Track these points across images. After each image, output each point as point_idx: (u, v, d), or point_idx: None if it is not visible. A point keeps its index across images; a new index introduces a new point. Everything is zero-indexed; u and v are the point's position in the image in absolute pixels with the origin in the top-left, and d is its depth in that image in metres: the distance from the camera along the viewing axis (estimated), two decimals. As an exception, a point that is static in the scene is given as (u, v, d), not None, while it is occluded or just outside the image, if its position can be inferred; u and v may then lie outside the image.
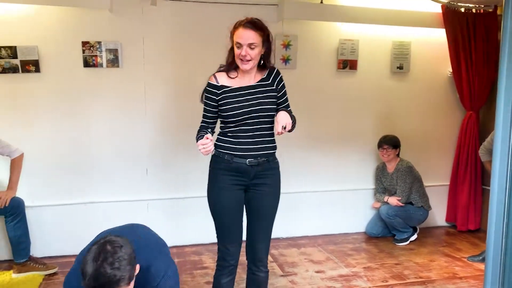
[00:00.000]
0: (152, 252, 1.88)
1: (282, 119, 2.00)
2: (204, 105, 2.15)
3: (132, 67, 3.49)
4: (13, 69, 3.26)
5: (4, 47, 3.22)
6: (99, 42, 3.37)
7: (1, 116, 3.28)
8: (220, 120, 2.15)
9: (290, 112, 2.12)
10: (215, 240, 2.23)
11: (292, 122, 2.07)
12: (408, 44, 4.04)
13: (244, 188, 2.16)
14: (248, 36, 2.00)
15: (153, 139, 3.60)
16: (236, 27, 2.05)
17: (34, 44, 3.27)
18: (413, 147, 4.17)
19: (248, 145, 2.09)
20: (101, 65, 3.41)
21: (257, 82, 2.12)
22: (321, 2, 3.65)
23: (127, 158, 3.56)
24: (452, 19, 3.92)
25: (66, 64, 3.36)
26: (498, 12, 3.99)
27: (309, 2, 3.62)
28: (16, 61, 3.25)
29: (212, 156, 2.18)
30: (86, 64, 3.39)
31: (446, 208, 4.35)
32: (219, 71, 2.15)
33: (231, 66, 2.11)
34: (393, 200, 3.86)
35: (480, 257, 3.41)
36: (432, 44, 4.10)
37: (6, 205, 3.00)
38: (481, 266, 3.25)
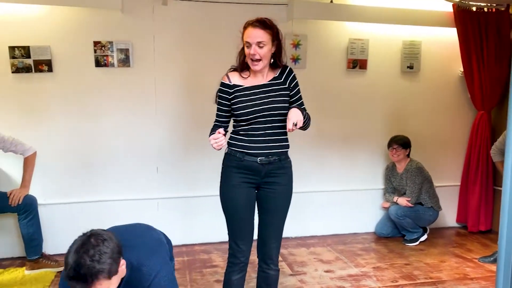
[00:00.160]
0: (146, 251, 1.88)
1: (293, 116, 2.01)
2: (217, 105, 2.18)
3: (142, 67, 3.52)
4: (26, 69, 3.31)
5: (18, 47, 3.27)
6: (110, 42, 3.41)
7: (14, 115, 3.34)
8: (233, 119, 2.17)
9: (303, 110, 2.12)
10: (224, 239, 2.25)
11: (305, 120, 2.08)
12: (418, 43, 4.02)
13: (255, 186, 2.18)
14: (256, 35, 2.02)
15: (163, 138, 3.63)
16: (245, 27, 2.07)
17: (47, 44, 3.32)
18: (423, 147, 4.14)
19: (259, 143, 2.11)
20: (113, 65, 3.45)
21: (269, 81, 2.13)
22: (331, 1, 3.64)
23: (137, 156, 3.59)
24: (463, 18, 3.89)
25: (78, 64, 3.40)
26: (510, 11, 3.96)
27: (318, 1, 3.62)
28: (29, 61, 3.30)
29: (225, 154, 2.21)
30: (98, 63, 3.43)
31: (456, 208, 4.31)
32: (232, 70, 2.17)
33: (243, 65, 2.12)
34: (403, 201, 3.84)
35: (492, 258, 3.38)
36: (443, 43, 4.07)
37: (19, 202, 3.04)
38: (493, 267, 3.22)
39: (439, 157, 4.24)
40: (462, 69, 4.08)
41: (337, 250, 3.67)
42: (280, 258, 3.41)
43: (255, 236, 2.25)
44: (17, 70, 3.30)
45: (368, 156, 4.09)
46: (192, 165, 3.68)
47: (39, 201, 3.22)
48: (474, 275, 3.18)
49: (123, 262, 1.71)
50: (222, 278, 2.29)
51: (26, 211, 3.07)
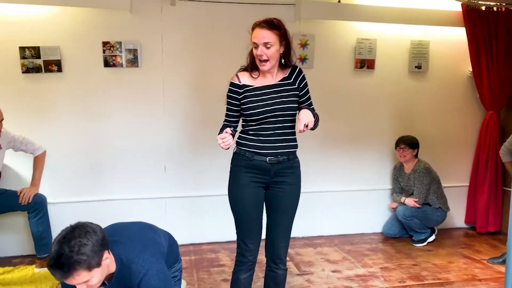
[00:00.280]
0: (136, 248, 1.89)
1: (304, 117, 2.02)
2: (227, 104, 2.18)
3: (151, 67, 3.54)
4: (36, 69, 3.35)
5: (28, 48, 3.31)
6: (119, 42, 3.43)
7: (24, 115, 3.37)
8: (242, 119, 2.19)
9: (312, 110, 2.13)
10: (232, 238, 2.26)
11: (315, 120, 2.08)
12: (427, 43, 4.00)
13: (264, 185, 2.19)
14: (263, 35, 2.02)
15: (171, 138, 3.65)
16: (253, 27, 2.08)
17: (56, 44, 3.35)
18: (432, 147, 4.12)
19: (269, 143, 2.11)
20: (121, 65, 3.47)
21: (279, 81, 2.14)
22: (339, 1, 3.64)
23: (145, 156, 3.62)
24: (472, 18, 3.86)
25: (87, 64, 3.44)
26: (520, 10, 3.92)
27: (326, 1, 3.62)
28: (39, 61, 3.34)
29: (234, 153, 2.22)
30: (107, 64, 3.46)
31: (465, 209, 4.29)
32: (241, 70, 2.18)
33: (252, 65, 2.13)
34: (410, 201, 3.83)
35: (501, 259, 3.35)
36: (452, 43, 4.05)
37: (29, 201, 3.08)
38: (502, 268, 3.19)
39: (448, 157, 4.22)
40: (470, 69, 4.05)
41: (344, 250, 3.66)
42: (287, 258, 3.41)
43: (263, 236, 2.25)
44: (27, 70, 3.33)
45: (376, 156, 4.08)
46: (200, 165, 3.70)
47: (48, 200, 3.25)
48: (483, 276, 3.16)
49: (107, 256, 1.73)
50: (229, 277, 2.31)
51: (36, 209, 3.11)
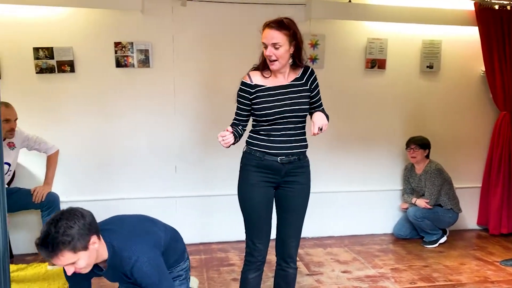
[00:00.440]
0: (129, 237, 1.95)
1: (318, 120, 2.03)
2: (237, 103, 2.18)
3: (162, 67, 3.57)
4: (50, 70, 3.40)
5: (42, 48, 3.36)
6: (130, 43, 3.47)
7: (38, 114, 3.43)
8: (253, 118, 2.18)
9: (324, 112, 2.13)
10: (242, 238, 2.26)
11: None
12: (438, 42, 3.96)
13: (274, 185, 2.19)
14: (271, 36, 2.02)
15: (182, 137, 3.67)
16: (263, 28, 2.08)
17: (69, 45, 3.40)
18: (443, 148, 4.08)
19: (280, 143, 2.11)
20: (133, 65, 3.51)
21: (291, 82, 2.14)
22: (349, 1, 3.62)
23: (157, 155, 3.65)
24: (485, 17, 3.81)
25: (99, 64, 3.48)
26: (535, 9, 3.87)
27: (337, 1, 3.61)
28: (53, 62, 3.39)
29: (243, 152, 2.22)
30: (118, 64, 3.49)
31: (477, 210, 4.24)
32: (253, 69, 2.17)
33: (264, 65, 2.13)
34: (421, 202, 3.79)
35: (514, 262, 3.31)
36: (464, 42, 4.00)
37: (43, 199, 3.12)
38: (514, 270, 3.16)
39: (460, 158, 4.17)
40: (483, 69, 4.00)
41: (354, 251, 3.64)
42: (297, 258, 3.41)
43: (272, 236, 2.25)
44: (41, 70, 3.39)
45: (387, 156, 4.05)
46: (211, 164, 3.72)
47: (61, 198, 3.28)
48: (495, 279, 3.12)
49: (94, 241, 1.79)
50: (239, 277, 2.31)
51: (49, 207, 3.15)
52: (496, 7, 3.83)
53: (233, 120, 2.22)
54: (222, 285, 2.97)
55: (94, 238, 1.79)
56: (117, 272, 1.94)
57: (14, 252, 3.43)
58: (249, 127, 2.25)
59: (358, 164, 4.00)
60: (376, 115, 3.98)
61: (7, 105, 2.94)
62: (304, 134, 2.18)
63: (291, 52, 2.08)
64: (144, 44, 3.49)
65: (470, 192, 4.19)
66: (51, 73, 3.41)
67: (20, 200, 3.12)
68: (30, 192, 3.12)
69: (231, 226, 3.63)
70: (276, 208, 2.25)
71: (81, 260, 1.76)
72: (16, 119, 3.01)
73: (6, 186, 3.14)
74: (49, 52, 3.37)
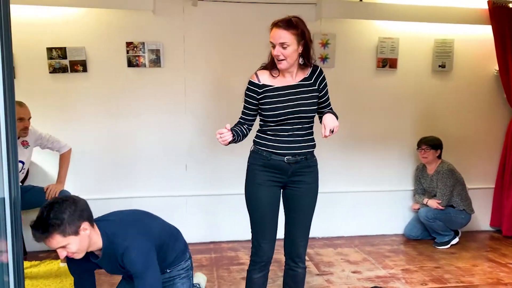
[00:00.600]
0: (122, 225, 2.03)
1: (329, 122, 2.02)
2: (244, 102, 2.18)
3: (173, 67, 3.59)
4: (63, 69, 3.44)
5: (55, 48, 3.41)
6: (142, 43, 3.50)
7: (51, 113, 3.47)
8: (260, 118, 2.17)
9: (333, 113, 2.13)
10: (251, 237, 2.26)
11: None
12: (451, 41, 3.92)
13: (281, 185, 2.18)
14: (279, 35, 2.01)
15: (192, 136, 3.69)
16: (271, 27, 2.06)
17: (82, 45, 3.44)
18: (456, 148, 4.04)
19: (287, 143, 2.11)
20: (144, 65, 3.54)
21: (299, 82, 2.12)
22: (360, 0, 3.60)
23: (167, 154, 3.67)
24: (499, 15, 3.76)
25: (111, 64, 3.51)
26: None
27: (348, 0, 3.59)
28: (66, 62, 3.43)
29: (251, 152, 2.22)
30: (130, 64, 3.52)
31: (490, 212, 4.18)
32: (261, 68, 2.17)
33: (272, 64, 2.12)
34: (433, 203, 3.75)
35: (527, 264, 3.26)
36: (477, 41, 3.96)
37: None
38: (528, 272, 3.11)
39: (472, 158, 4.12)
40: (497, 68, 3.95)
41: (364, 251, 3.62)
42: (306, 258, 3.40)
43: (278, 236, 2.24)
44: (54, 70, 3.43)
45: (398, 156, 4.02)
46: (221, 163, 3.73)
47: (73, 197, 3.33)
48: (509, 280, 3.07)
49: (85, 227, 1.87)
50: (248, 276, 2.32)
51: (62, 205, 3.19)
52: (510, 5, 3.78)
53: (239, 118, 2.21)
54: (231, 284, 2.98)
55: (85, 225, 1.87)
56: (112, 261, 2.00)
57: (28, 249, 3.48)
58: (256, 126, 2.25)
59: (369, 164, 3.97)
60: (387, 114, 3.95)
61: (21, 104, 2.98)
62: (311, 134, 2.17)
63: (300, 52, 2.07)
64: (155, 44, 3.52)
65: (483, 193, 4.14)
66: (64, 73, 3.45)
67: (33, 198, 3.16)
68: (43, 190, 3.16)
69: (241, 225, 3.61)
70: (284, 208, 2.24)
71: (71, 245, 1.84)
72: (30, 118, 3.05)
73: (20, 184, 3.19)
74: (62, 52, 3.42)
